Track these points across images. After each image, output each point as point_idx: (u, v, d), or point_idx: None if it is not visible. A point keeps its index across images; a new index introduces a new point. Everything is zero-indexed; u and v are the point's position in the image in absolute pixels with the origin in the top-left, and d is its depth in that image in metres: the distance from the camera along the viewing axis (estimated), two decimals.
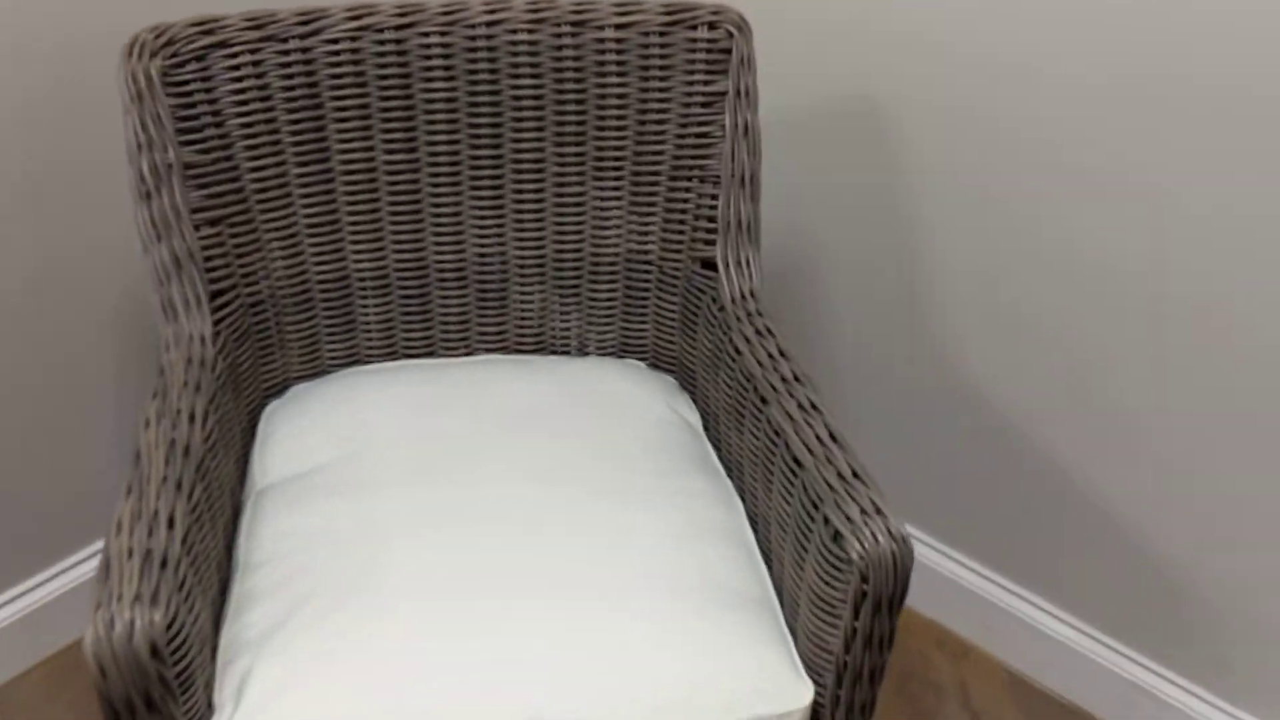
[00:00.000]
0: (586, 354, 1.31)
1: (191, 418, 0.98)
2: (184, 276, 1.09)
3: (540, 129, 1.20)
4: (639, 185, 1.22)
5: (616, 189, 1.22)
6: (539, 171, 1.21)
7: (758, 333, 1.11)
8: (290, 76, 1.13)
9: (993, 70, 1.23)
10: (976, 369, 1.37)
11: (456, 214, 1.22)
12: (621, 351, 1.30)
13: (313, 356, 1.24)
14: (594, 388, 1.23)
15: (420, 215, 1.22)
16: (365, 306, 1.24)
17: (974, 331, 1.36)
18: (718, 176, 1.18)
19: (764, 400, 1.05)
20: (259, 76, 1.11)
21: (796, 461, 0.97)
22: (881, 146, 1.36)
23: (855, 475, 0.93)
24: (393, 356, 1.27)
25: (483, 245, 1.24)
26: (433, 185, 1.21)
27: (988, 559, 1.46)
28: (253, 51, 1.11)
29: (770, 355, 1.08)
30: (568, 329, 1.29)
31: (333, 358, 1.25)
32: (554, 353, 1.30)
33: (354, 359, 1.26)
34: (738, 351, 1.11)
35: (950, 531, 1.49)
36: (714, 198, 1.19)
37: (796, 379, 1.05)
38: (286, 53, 1.12)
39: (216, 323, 1.11)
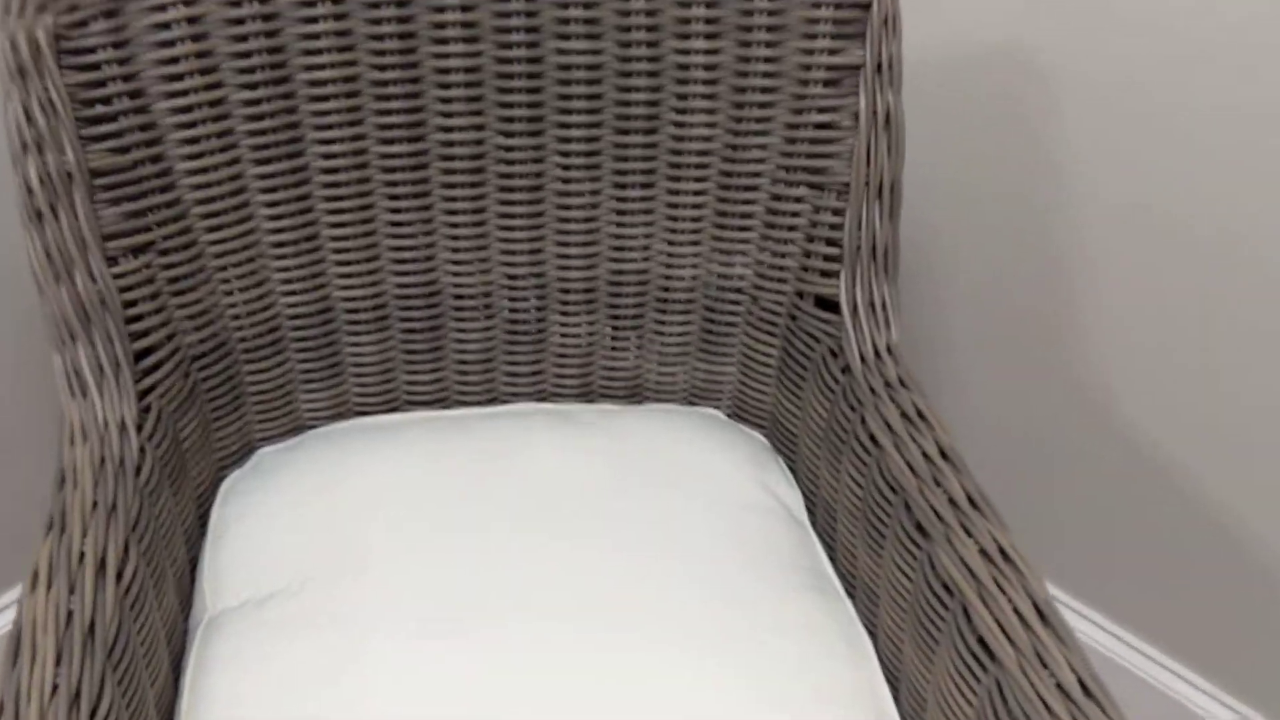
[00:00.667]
0: (644, 400, 0.99)
1: (102, 567, 0.67)
2: (95, 333, 0.76)
3: (596, 111, 0.86)
4: (730, 192, 0.89)
5: (698, 195, 0.89)
6: (593, 169, 0.88)
7: (904, 417, 0.79)
8: (244, 39, 0.79)
9: (1169, 29, 0.89)
10: (1130, 412, 1.06)
11: (480, 224, 0.89)
12: (692, 398, 0.99)
13: (286, 412, 0.92)
14: (661, 455, 0.92)
15: (431, 226, 0.89)
16: (357, 346, 0.92)
17: (1130, 364, 1.04)
18: (844, 184, 0.85)
19: (923, 532, 0.74)
20: (199, 39, 0.77)
21: (984, 647, 0.66)
22: (1021, 122, 1.02)
23: (1087, 691, 0.62)
24: (394, 407, 0.96)
25: (513, 265, 0.91)
26: (447, 186, 0.87)
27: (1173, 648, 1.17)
28: (188, 3, 0.77)
29: (927, 457, 0.76)
30: (622, 370, 0.97)
31: (313, 412, 0.93)
32: (604, 399, 0.99)
33: (342, 411, 0.94)
34: (874, 442, 0.80)
35: (1095, 594, 1.20)
36: (836, 213, 0.86)
37: (973, 503, 0.73)
38: (238, 3, 0.78)
39: (144, 393, 0.79)
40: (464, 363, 0.94)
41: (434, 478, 0.88)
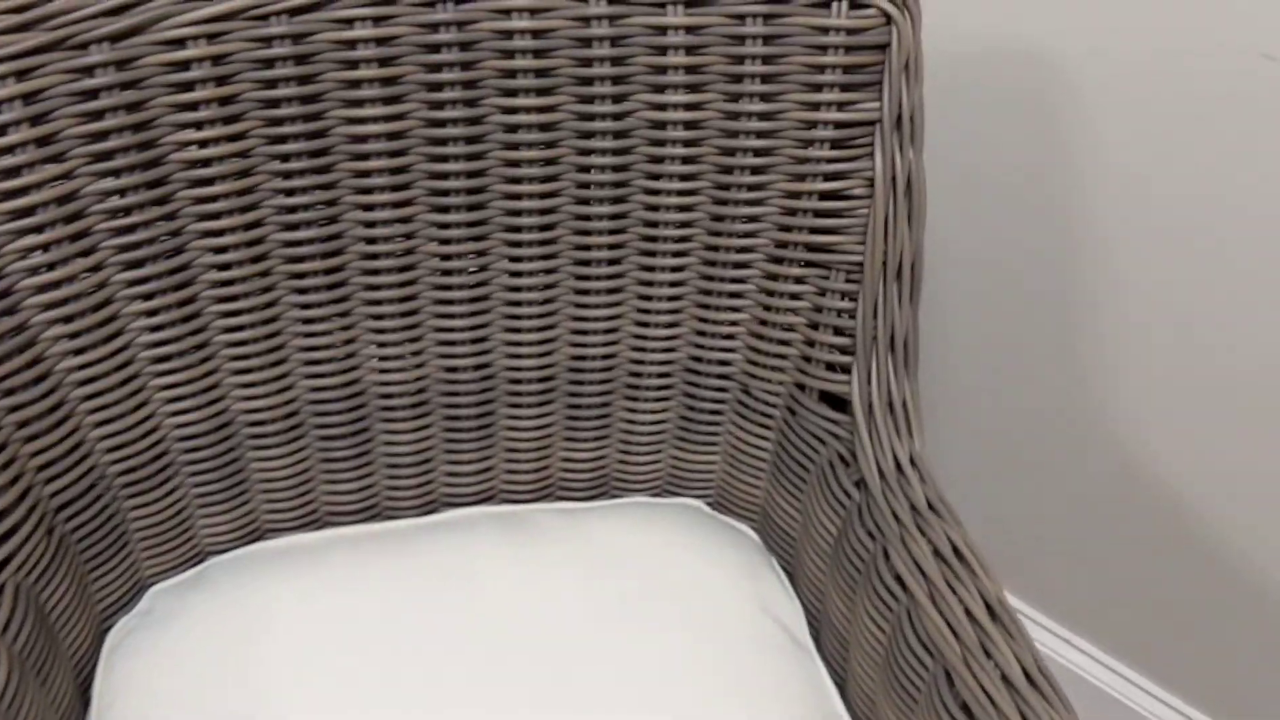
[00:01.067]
0: (612, 495, 0.85)
1: None
2: None
3: (551, 179, 0.70)
4: (715, 269, 0.73)
5: (676, 273, 0.74)
6: (548, 244, 0.72)
7: (938, 555, 0.66)
8: (93, 95, 0.61)
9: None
10: (1136, 433, 0.94)
11: (410, 313, 0.73)
12: (669, 488, 0.85)
13: (182, 542, 0.76)
14: (635, 566, 0.78)
15: (350, 320, 0.72)
16: (265, 461, 0.75)
17: (1143, 375, 0.92)
18: (855, 263, 0.70)
19: (969, 714, 0.61)
20: (30, 99, 0.59)
21: None
22: (1030, 109, 0.88)
23: None
24: (314, 524, 0.80)
25: (453, 356, 0.75)
26: (368, 273, 0.71)
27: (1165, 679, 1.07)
28: (20, 76, 0.58)
29: (971, 616, 0.63)
30: (584, 462, 0.82)
31: (215, 538, 0.77)
32: (565, 497, 0.84)
33: (251, 534, 0.78)
34: (902, 585, 0.66)
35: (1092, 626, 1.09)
36: (846, 296, 0.71)
37: (1031, 680, 0.60)
38: (84, 71, 0.60)
39: None
40: (395, 468, 0.79)
41: (359, 618, 0.73)
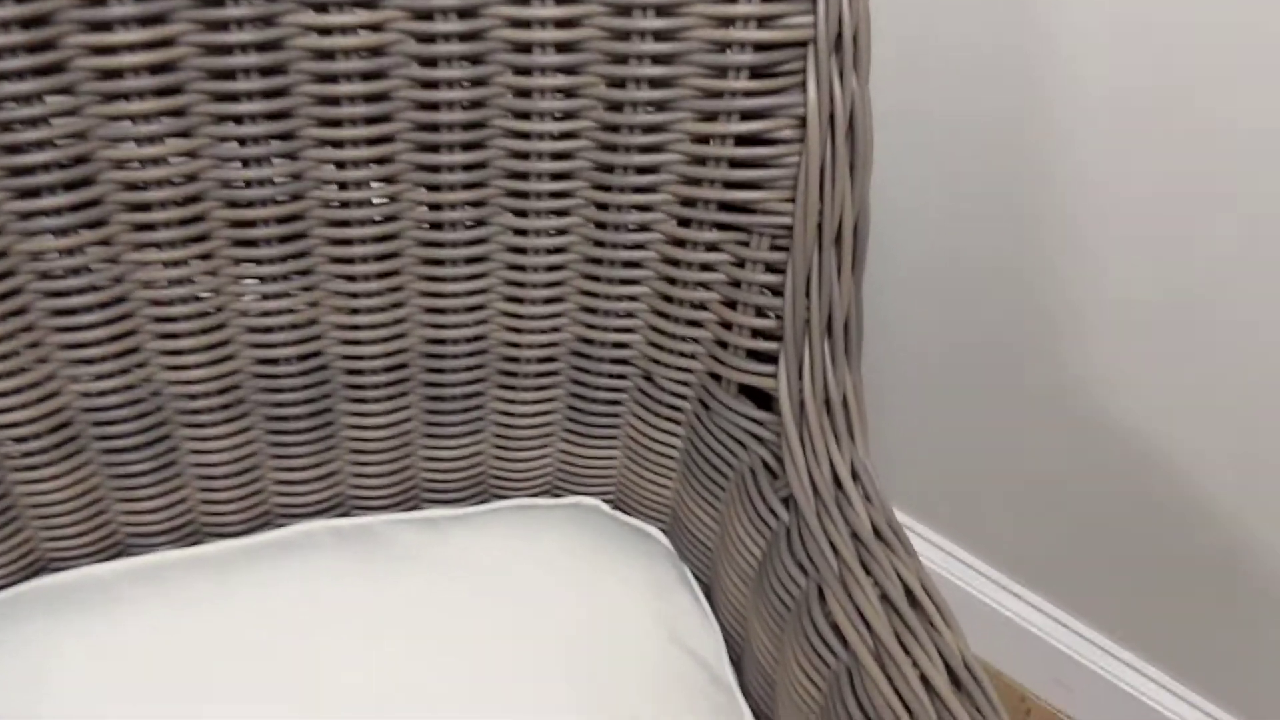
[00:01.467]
0: (492, 497, 0.69)
1: None
2: None
3: (382, 112, 0.53)
4: (605, 232, 0.57)
5: (556, 237, 0.58)
6: (387, 201, 0.55)
7: (885, 600, 0.52)
8: None
9: None
10: (1111, 387, 0.81)
11: (207, 295, 0.56)
12: (560, 486, 0.70)
13: None
14: (519, 591, 0.63)
15: (125, 302, 0.55)
16: (34, 483, 0.59)
17: (1121, 354, 0.79)
18: (782, 226, 0.55)
19: None
20: None
21: None
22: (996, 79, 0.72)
23: None
24: (110, 552, 0.64)
25: (270, 346, 0.59)
26: (141, 240, 0.54)
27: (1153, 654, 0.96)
28: None
29: (928, 684, 0.49)
30: (454, 460, 0.67)
31: None
32: (433, 502, 0.69)
33: (29, 568, 0.62)
34: (841, 639, 0.52)
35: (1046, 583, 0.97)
36: (771, 268, 0.56)
37: None
38: None
39: None
40: (210, 479, 0.63)
41: (158, 669, 0.58)
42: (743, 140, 0.53)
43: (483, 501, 0.69)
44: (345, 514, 0.67)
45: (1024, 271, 0.80)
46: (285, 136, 0.52)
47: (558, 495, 0.70)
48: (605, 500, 0.70)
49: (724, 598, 0.65)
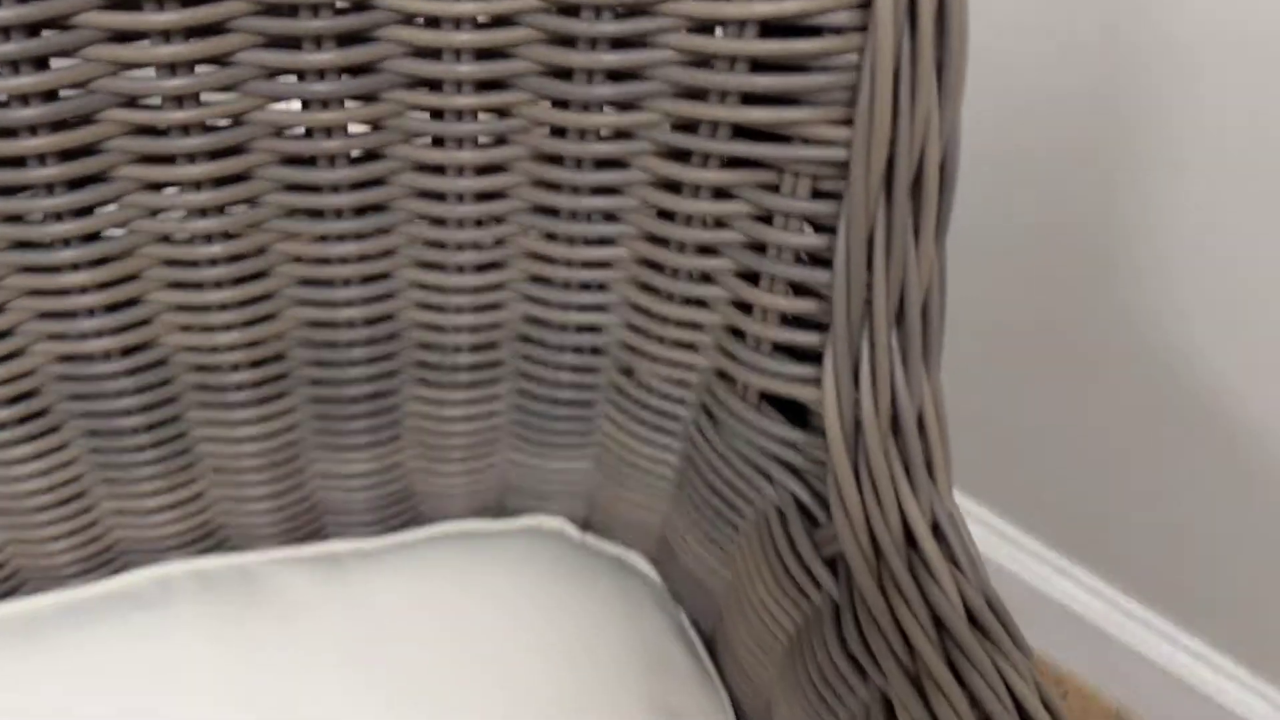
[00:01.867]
0: (425, 520, 0.51)
1: None
2: None
3: None
4: (562, 171, 0.38)
5: (487, 175, 0.39)
6: (233, 123, 0.36)
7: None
8: None
9: None
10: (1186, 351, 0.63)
11: None
12: (512, 504, 0.52)
13: None
14: (453, 651, 0.46)
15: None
16: None
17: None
18: (833, 161, 0.36)
19: None
20: None
21: None
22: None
23: None
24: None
25: (66, 337, 0.40)
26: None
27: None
28: None
29: None
30: (356, 478, 0.48)
31: None
32: (345, 530, 0.50)
33: None
34: None
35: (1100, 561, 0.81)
36: (815, 225, 0.37)
37: None
38: None
39: None
40: (18, 515, 0.44)
41: None
42: (770, 29, 0.34)
43: (403, 528, 0.51)
44: (222, 551, 0.49)
45: (1081, 229, 0.61)
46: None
47: (508, 515, 0.52)
48: (572, 521, 0.52)
49: (736, 665, 0.47)
